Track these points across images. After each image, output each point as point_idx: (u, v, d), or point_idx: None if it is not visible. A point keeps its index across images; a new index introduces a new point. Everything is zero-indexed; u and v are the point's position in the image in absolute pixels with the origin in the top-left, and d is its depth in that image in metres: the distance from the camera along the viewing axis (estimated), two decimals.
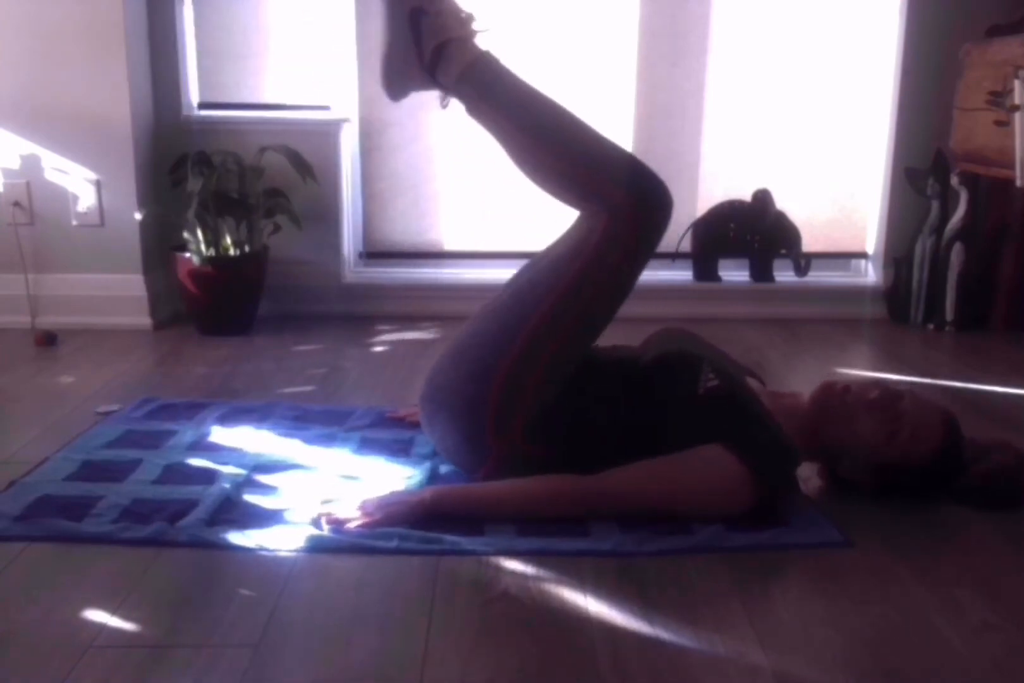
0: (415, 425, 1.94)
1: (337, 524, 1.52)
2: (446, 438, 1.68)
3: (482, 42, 1.63)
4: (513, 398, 1.59)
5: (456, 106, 1.65)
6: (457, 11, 1.62)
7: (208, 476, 1.71)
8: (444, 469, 1.75)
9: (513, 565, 1.42)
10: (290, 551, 1.45)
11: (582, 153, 1.60)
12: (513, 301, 1.64)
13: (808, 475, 1.74)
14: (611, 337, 1.72)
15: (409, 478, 1.71)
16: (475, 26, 1.63)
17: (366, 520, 1.52)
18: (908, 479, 1.64)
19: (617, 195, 1.56)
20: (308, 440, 1.90)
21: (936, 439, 1.61)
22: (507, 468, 1.60)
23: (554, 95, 1.64)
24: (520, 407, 1.59)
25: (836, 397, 1.65)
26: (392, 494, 1.61)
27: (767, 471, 1.53)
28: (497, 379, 1.58)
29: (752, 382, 1.77)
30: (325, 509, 1.56)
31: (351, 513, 1.54)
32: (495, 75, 1.62)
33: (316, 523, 1.52)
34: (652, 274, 3.20)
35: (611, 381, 1.66)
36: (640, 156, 3.20)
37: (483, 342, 1.63)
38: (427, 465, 1.76)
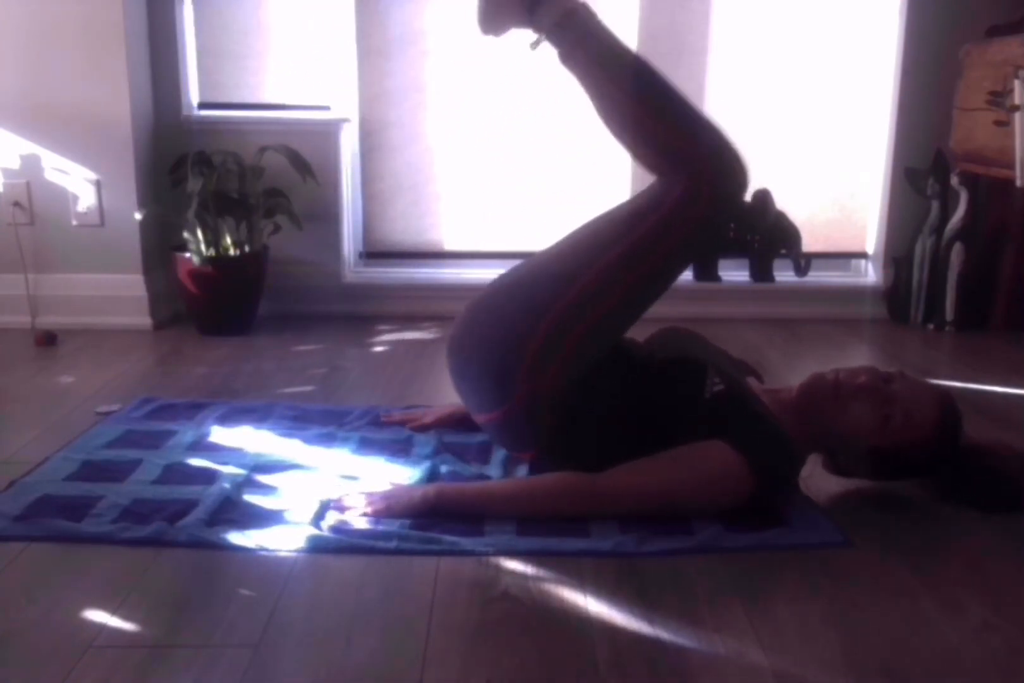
0: (413, 431, 1.95)
1: (341, 511, 1.56)
2: (475, 366, 1.65)
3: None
4: (558, 342, 1.57)
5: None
6: None
7: (208, 476, 1.71)
8: (444, 469, 1.75)
9: (513, 565, 1.42)
10: (290, 551, 1.45)
11: (674, 115, 1.60)
12: (583, 245, 1.63)
13: (807, 474, 1.74)
14: None
15: (409, 478, 1.71)
16: None
17: (368, 510, 1.55)
18: (909, 462, 1.64)
19: (702, 161, 1.57)
20: (308, 440, 1.90)
21: (932, 418, 1.61)
22: (519, 421, 1.60)
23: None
24: (561, 353, 1.57)
25: (826, 387, 1.65)
26: (396, 488, 1.64)
27: (766, 462, 1.53)
28: (549, 317, 1.57)
29: (751, 381, 1.78)
30: (334, 497, 1.61)
31: (357, 503, 1.57)
32: (596, 25, 1.61)
33: (317, 522, 1.52)
34: None
35: (622, 378, 1.65)
36: None
37: (541, 281, 1.62)
38: (427, 465, 1.76)
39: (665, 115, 1.59)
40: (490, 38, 1.69)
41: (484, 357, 1.62)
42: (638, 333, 1.76)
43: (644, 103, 1.59)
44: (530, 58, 3.21)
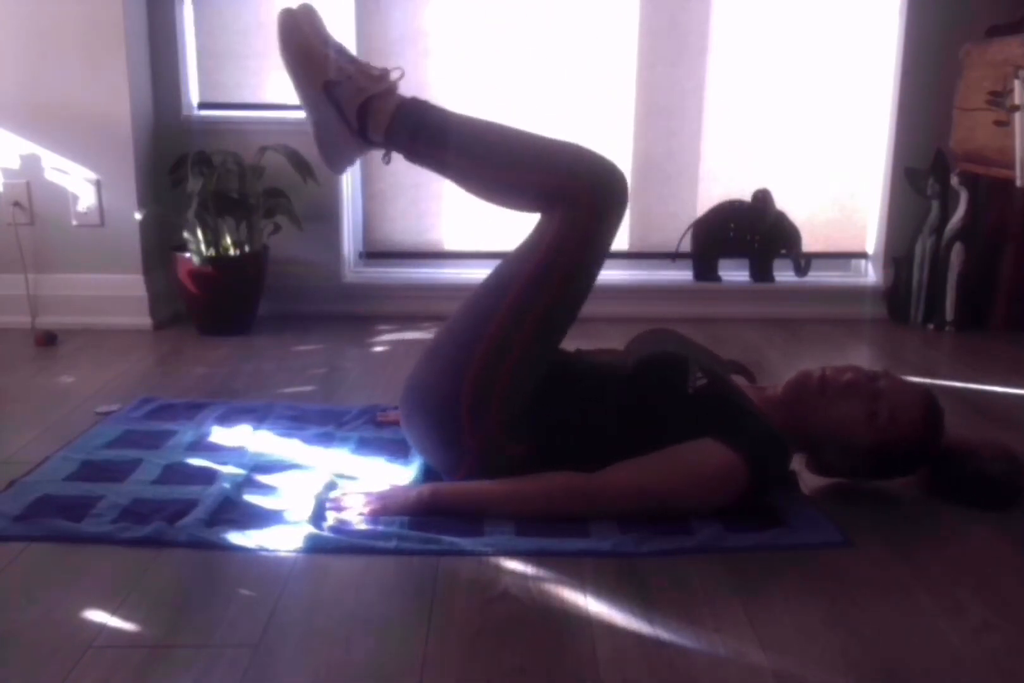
0: None
1: (340, 511, 1.56)
2: (423, 438, 1.67)
3: (402, 91, 1.67)
4: (486, 393, 1.58)
5: (399, 159, 1.69)
6: (367, 70, 1.66)
7: (208, 476, 1.71)
8: None
9: (513, 565, 1.42)
10: (290, 551, 1.45)
11: (525, 157, 1.62)
12: (480, 296, 1.65)
13: (802, 470, 1.74)
14: (611, 337, 1.73)
15: (407, 478, 1.71)
16: (390, 77, 1.66)
17: (366, 510, 1.55)
18: (893, 459, 1.65)
19: (569, 184, 1.58)
20: (307, 440, 1.90)
21: (917, 415, 1.63)
22: (486, 468, 1.60)
23: (479, 113, 1.67)
24: (495, 402, 1.58)
25: (812, 384, 1.67)
26: (393, 488, 1.65)
27: (758, 457, 1.53)
28: (468, 374, 1.58)
29: (739, 379, 1.78)
30: (333, 496, 1.61)
31: (355, 503, 1.57)
32: (420, 115, 1.65)
33: (316, 522, 1.52)
34: (652, 274, 3.21)
35: (598, 383, 1.66)
36: (640, 156, 3.21)
37: (453, 339, 1.63)
38: (424, 464, 1.76)
39: (518, 161, 1.62)
40: (339, 174, 1.74)
41: (427, 422, 1.64)
42: (623, 335, 1.76)
43: (493, 162, 1.64)
44: (530, 58, 3.20)
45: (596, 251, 1.62)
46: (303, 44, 1.65)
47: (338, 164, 1.73)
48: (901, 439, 1.63)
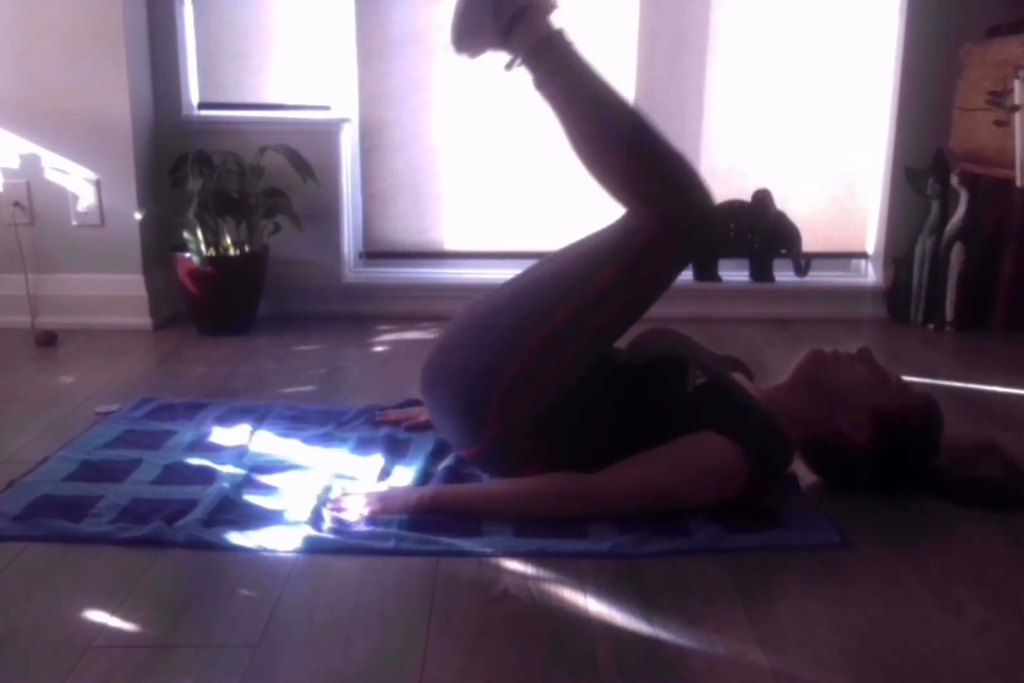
0: (408, 430, 1.95)
1: (339, 511, 1.55)
2: (444, 411, 1.65)
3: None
4: (526, 387, 1.56)
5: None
6: None
7: (207, 476, 1.71)
8: (441, 468, 1.74)
9: (513, 565, 1.42)
10: (289, 551, 1.45)
11: (647, 153, 1.57)
12: (551, 282, 1.61)
13: (802, 471, 1.74)
14: None
15: (407, 478, 1.71)
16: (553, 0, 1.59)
17: (365, 511, 1.55)
18: (903, 432, 1.63)
19: (674, 203, 1.54)
20: (306, 440, 1.90)
21: (922, 393, 1.68)
22: (497, 454, 1.60)
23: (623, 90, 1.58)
24: (532, 397, 1.57)
25: (826, 355, 1.72)
26: (393, 489, 1.65)
27: (759, 450, 1.53)
28: (512, 365, 1.56)
29: (739, 376, 1.78)
30: (333, 496, 1.61)
31: (355, 503, 1.57)
32: (572, 55, 1.59)
33: (315, 522, 1.52)
34: None
35: (603, 384, 1.65)
36: None
37: (506, 322, 1.60)
38: (424, 464, 1.76)
39: (639, 155, 1.56)
40: (464, 57, 1.66)
41: (454, 398, 1.61)
42: (633, 334, 1.76)
43: (617, 141, 1.56)
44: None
45: (671, 274, 1.60)
46: None
47: (467, 47, 1.64)
48: (909, 408, 1.63)
